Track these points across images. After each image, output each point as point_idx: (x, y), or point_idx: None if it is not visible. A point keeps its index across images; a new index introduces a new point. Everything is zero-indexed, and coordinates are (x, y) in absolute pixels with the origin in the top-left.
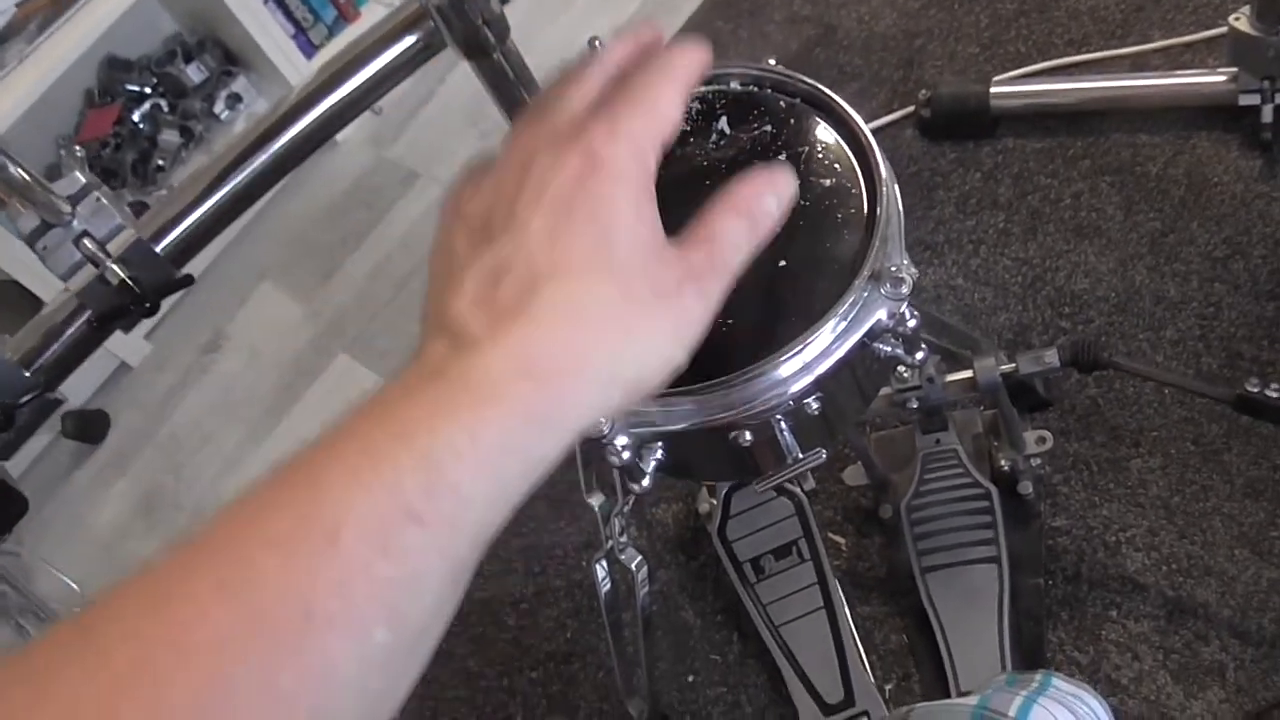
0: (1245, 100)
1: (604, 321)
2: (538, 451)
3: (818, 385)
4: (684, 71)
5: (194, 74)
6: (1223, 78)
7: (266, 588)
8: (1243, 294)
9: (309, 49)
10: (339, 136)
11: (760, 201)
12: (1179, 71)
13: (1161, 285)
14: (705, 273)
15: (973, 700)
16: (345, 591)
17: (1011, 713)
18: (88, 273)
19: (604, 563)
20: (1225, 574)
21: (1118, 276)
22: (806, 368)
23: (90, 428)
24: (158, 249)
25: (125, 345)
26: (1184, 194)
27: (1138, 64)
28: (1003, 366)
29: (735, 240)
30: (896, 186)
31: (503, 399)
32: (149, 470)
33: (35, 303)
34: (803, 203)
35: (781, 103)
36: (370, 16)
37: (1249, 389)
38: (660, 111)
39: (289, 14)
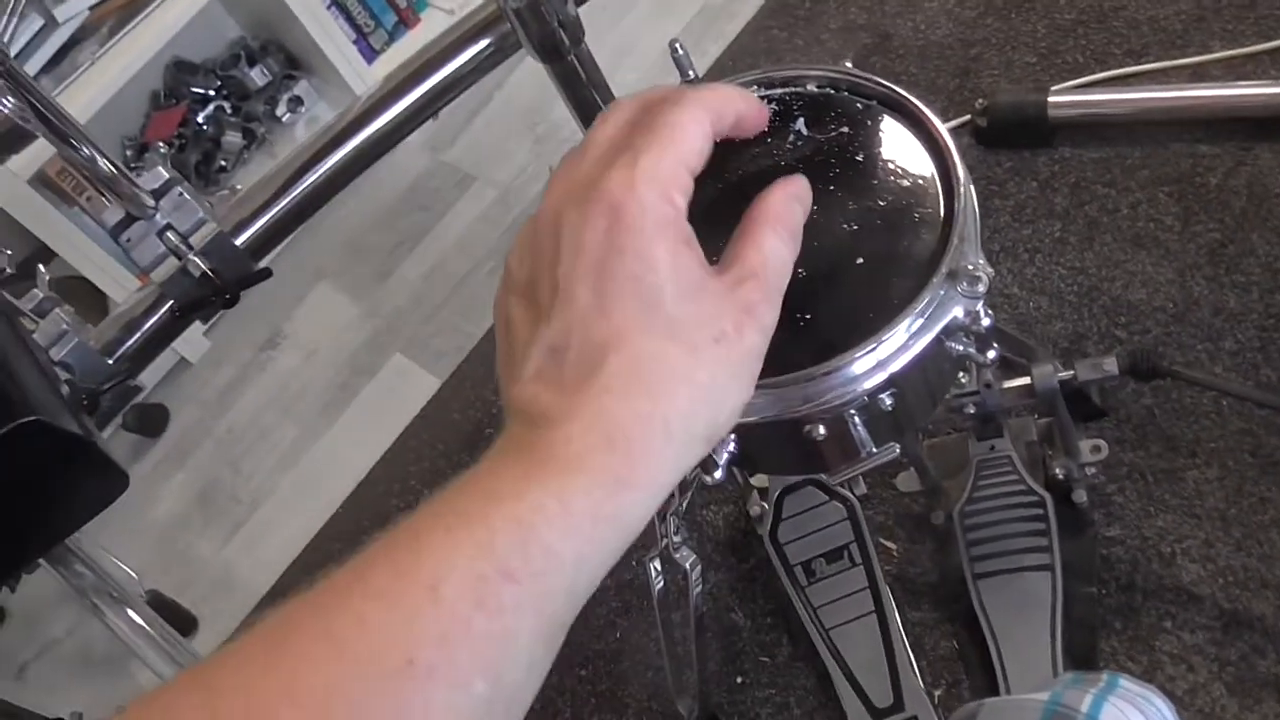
0: None
1: (672, 382)
2: (627, 511)
3: (892, 381)
4: (706, 99)
5: (257, 77)
6: None
7: (371, 637)
8: None
9: (370, 54)
10: None
11: (790, 212)
12: (1240, 82)
13: (1220, 296)
14: (759, 304)
15: (1043, 696)
16: (445, 643)
17: (1084, 709)
18: (170, 265)
19: (658, 562)
20: None
21: (1175, 287)
22: (882, 364)
23: (150, 421)
24: (238, 242)
25: (185, 342)
26: (1244, 205)
27: (1198, 74)
28: (1061, 374)
29: (781, 259)
30: (973, 187)
31: (586, 468)
32: (207, 464)
33: (99, 298)
34: (880, 202)
35: (858, 104)
36: (430, 22)
37: None
38: (681, 143)
39: (351, 19)
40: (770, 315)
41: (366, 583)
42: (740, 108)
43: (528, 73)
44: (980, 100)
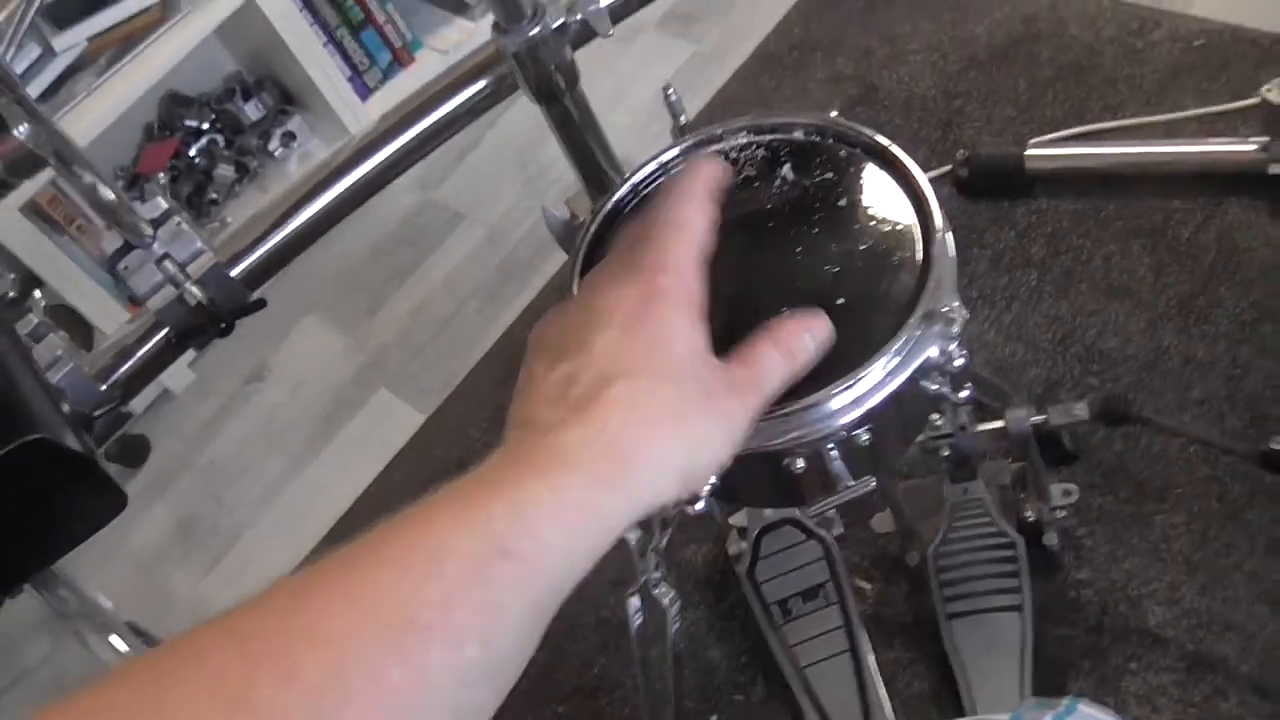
0: (1276, 169)
1: (664, 415)
2: (607, 514)
3: (869, 417)
4: (702, 189)
5: (251, 112)
6: (1254, 146)
7: (383, 596)
8: (1269, 357)
9: (364, 91)
10: None
11: (799, 340)
12: (1212, 139)
13: (1190, 346)
14: (747, 387)
15: (1004, 717)
16: (446, 608)
17: None
18: (166, 293)
19: (637, 598)
20: (1245, 630)
21: (1147, 336)
22: (859, 400)
23: (131, 452)
24: (233, 274)
25: (169, 372)
26: (1214, 258)
27: (1172, 130)
28: (1034, 418)
29: (773, 369)
30: (950, 234)
31: (581, 466)
32: (188, 496)
33: (86, 327)
34: (861, 246)
35: (842, 152)
36: (424, 62)
37: (1274, 446)
38: (694, 233)
39: (346, 57)
40: (755, 401)
41: (381, 552)
42: (715, 174)
43: (519, 114)
44: (961, 151)
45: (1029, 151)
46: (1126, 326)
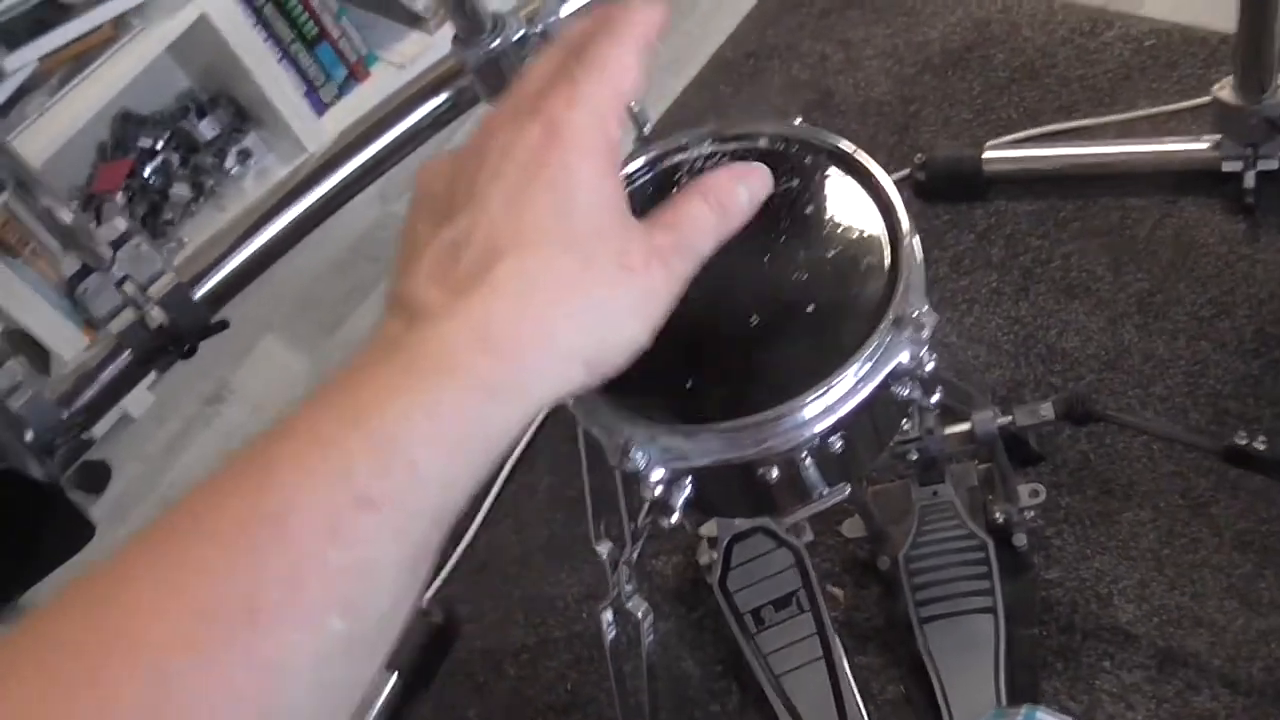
0: (1229, 166)
1: (564, 292)
2: (497, 425)
3: (841, 425)
4: (638, 31)
5: (206, 130)
6: (1207, 144)
7: (212, 579)
8: (1228, 352)
9: (320, 107)
10: None
11: (732, 192)
12: (1165, 138)
13: (1150, 343)
14: (670, 253)
15: None
16: (295, 583)
17: None
18: (127, 316)
19: (610, 612)
20: (1215, 624)
21: (1107, 335)
22: (831, 407)
23: (92, 477)
24: (195, 295)
25: (129, 396)
26: (1171, 255)
27: (1125, 130)
28: (1000, 419)
29: (703, 226)
30: (918, 238)
31: (458, 370)
32: (150, 520)
33: (41, 352)
34: (829, 253)
35: (807, 159)
36: (380, 76)
37: (1238, 441)
38: (617, 75)
39: (301, 73)
40: (681, 267)
41: (207, 522)
42: (654, 21)
43: (477, 124)
44: (918, 155)
45: (986, 154)
46: (1087, 325)
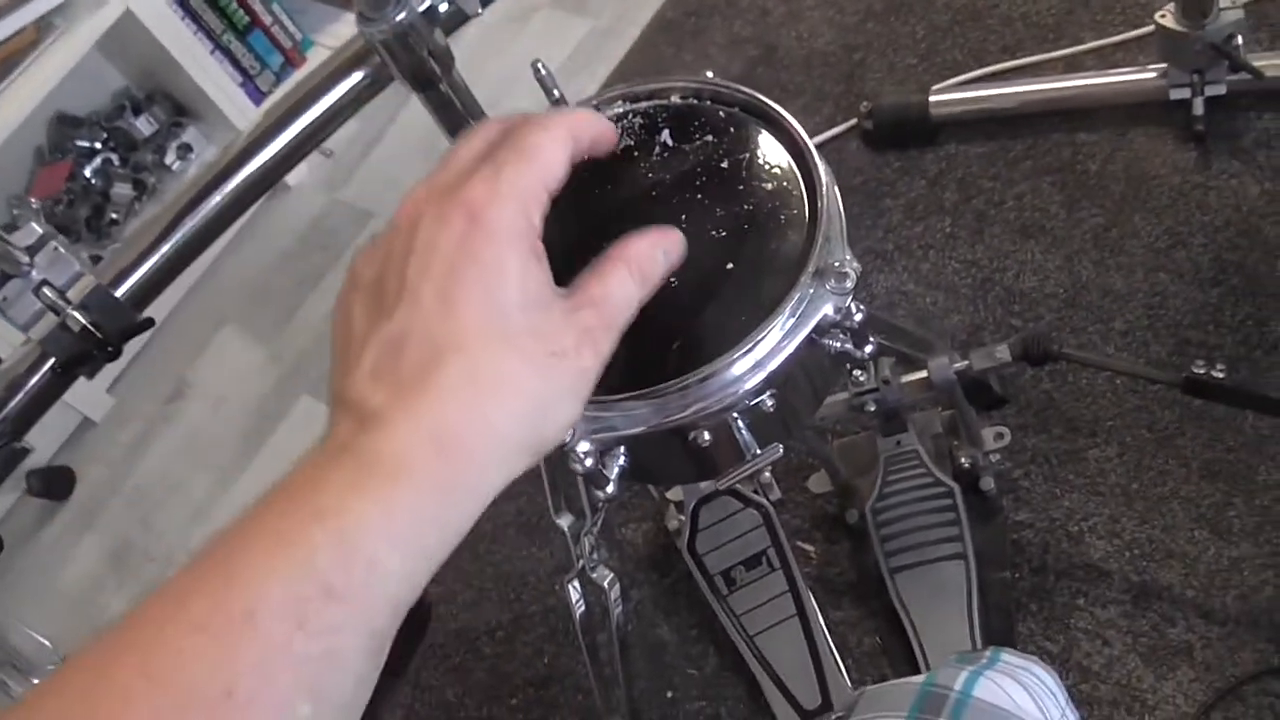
0: (1176, 94)
1: (506, 390)
2: (453, 521)
3: (771, 382)
4: (569, 123)
5: (143, 127)
6: (1153, 74)
7: (188, 670)
8: (1186, 282)
9: (257, 96)
10: (291, 181)
11: (653, 260)
12: (1111, 71)
13: (1107, 278)
14: (599, 332)
15: (920, 679)
16: (265, 670)
17: (957, 686)
18: (49, 321)
19: (576, 583)
20: (1187, 555)
21: (1065, 273)
22: (759, 364)
23: (55, 484)
24: (117, 294)
25: (87, 400)
26: (1124, 189)
27: (1071, 66)
28: (956, 364)
29: (625, 296)
30: (836, 187)
31: (415, 473)
32: (117, 523)
33: None
34: (747, 207)
35: (721, 113)
36: (316, 60)
37: (1195, 371)
38: (542, 162)
39: (236, 63)
40: (606, 344)
41: (183, 613)
42: (596, 130)
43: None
44: (865, 103)
45: (932, 98)
46: (1044, 265)
